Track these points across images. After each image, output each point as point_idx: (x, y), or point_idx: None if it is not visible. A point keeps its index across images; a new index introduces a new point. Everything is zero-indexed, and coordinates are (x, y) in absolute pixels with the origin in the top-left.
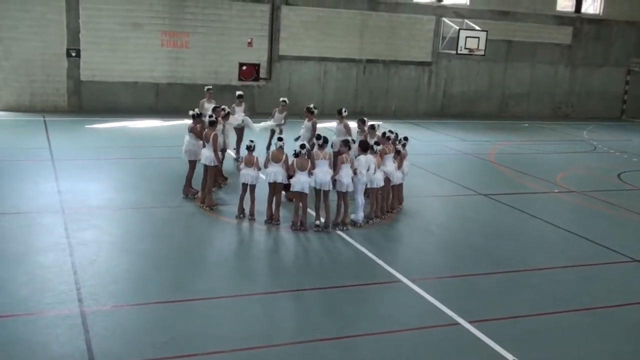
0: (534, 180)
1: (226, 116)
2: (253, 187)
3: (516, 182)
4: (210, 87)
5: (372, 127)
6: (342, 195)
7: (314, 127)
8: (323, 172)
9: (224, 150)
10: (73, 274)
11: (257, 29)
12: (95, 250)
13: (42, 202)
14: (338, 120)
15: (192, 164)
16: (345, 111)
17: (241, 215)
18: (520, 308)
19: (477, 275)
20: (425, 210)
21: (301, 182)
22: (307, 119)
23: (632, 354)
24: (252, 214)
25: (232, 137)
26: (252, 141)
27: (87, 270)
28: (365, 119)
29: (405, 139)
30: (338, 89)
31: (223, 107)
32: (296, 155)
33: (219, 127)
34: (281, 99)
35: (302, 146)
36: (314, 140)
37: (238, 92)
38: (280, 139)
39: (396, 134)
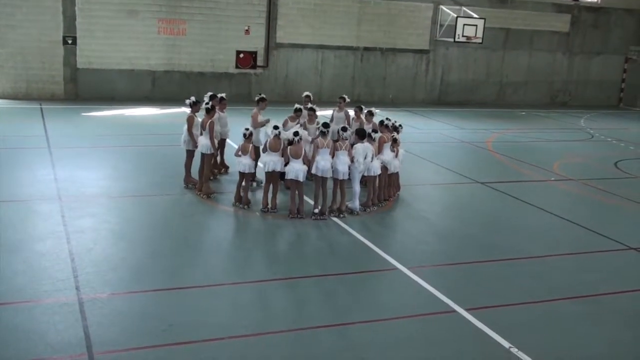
0: (531, 169)
1: (222, 104)
2: (248, 175)
3: (513, 170)
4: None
5: (370, 112)
6: (339, 183)
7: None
8: (325, 160)
9: (224, 140)
10: (70, 262)
11: (254, 16)
12: (93, 238)
13: (38, 190)
14: (338, 108)
15: (190, 153)
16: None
17: (237, 203)
18: (517, 296)
19: (474, 263)
20: (423, 198)
21: (295, 169)
22: (304, 107)
23: (629, 342)
24: (246, 202)
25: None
26: (247, 129)
27: (84, 258)
28: (362, 106)
29: (400, 126)
30: (335, 76)
31: (221, 95)
32: (290, 143)
33: (216, 115)
34: (296, 106)
35: (296, 133)
36: (320, 127)
37: (297, 106)
38: (276, 127)
39: (393, 122)
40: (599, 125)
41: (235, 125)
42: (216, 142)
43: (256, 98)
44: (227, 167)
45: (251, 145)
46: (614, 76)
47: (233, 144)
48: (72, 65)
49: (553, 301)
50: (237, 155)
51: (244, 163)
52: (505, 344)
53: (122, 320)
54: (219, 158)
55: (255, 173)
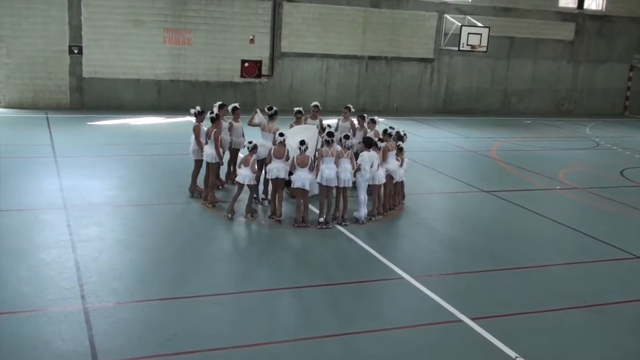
0: (537, 177)
1: (235, 114)
2: (249, 187)
3: (518, 179)
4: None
5: (372, 120)
6: (342, 191)
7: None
8: (329, 169)
9: (237, 150)
10: (76, 271)
11: (259, 25)
12: (98, 247)
13: (44, 199)
14: (343, 118)
15: (198, 162)
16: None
17: (229, 215)
18: (523, 305)
19: (479, 272)
20: (428, 207)
21: (301, 178)
22: (311, 117)
23: (636, 351)
24: (249, 211)
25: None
26: (250, 142)
27: (89, 267)
28: (365, 115)
29: (405, 135)
30: (340, 85)
31: (235, 105)
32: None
33: (225, 124)
34: (295, 109)
35: (302, 142)
36: (325, 136)
37: (296, 109)
38: (281, 135)
39: (397, 131)
40: (605, 134)
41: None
42: (222, 151)
43: (269, 112)
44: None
45: (253, 158)
46: (619, 84)
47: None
48: (78, 75)
49: (559, 310)
50: (238, 167)
51: (244, 175)
52: (512, 353)
53: (128, 329)
54: (231, 168)
55: (255, 186)
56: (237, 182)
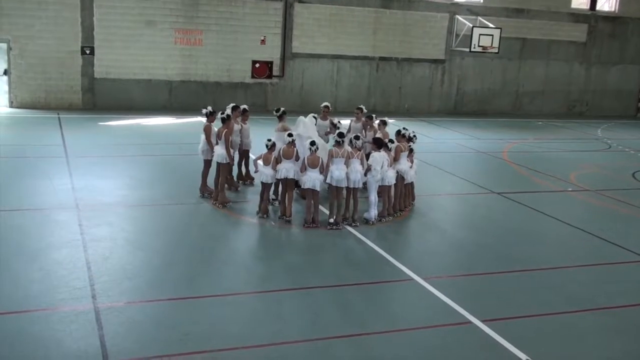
0: (548, 179)
1: (244, 116)
2: (270, 185)
3: (530, 181)
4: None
5: (383, 122)
6: (352, 191)
7: (331, 125)
8: (339, 169)
9: (247, 151)
10: (87, 270)
11: (270, 26)
12: (109, 246)
13: (56, 199)
14: (355, 119)
15: (207, 162)
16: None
17: (264, 215)
18: (533, 307)
19: (490, 274)
20: (438, 208)
21: (312, 179)
22: (321, 118)
23: None
24: (264, 211)
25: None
26: (269, 140)
27: (100, 267)
28: (374, 115)
29: (414, 136)
30: (351, 86)
31: (244, 107)
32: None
33: (237, 126)
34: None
35: (312, 143)
36: (335, 137)
37: (312, 114)
38: (290, 135)
39: (408, 132)
40: (616, 136)
41: (254, 136)
42: (232, 152)
43: (277, 113)
44: (252, 179)
45: (274, 156)
46: (631, 86)
47: (254, 156)
48: (90, 75)
49: (570, 313)
50: (255, 164)
51: (267, 173)
52: (522, 355)
53: (138, 329)
54: (243, 169)
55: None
56: (260, 181)
